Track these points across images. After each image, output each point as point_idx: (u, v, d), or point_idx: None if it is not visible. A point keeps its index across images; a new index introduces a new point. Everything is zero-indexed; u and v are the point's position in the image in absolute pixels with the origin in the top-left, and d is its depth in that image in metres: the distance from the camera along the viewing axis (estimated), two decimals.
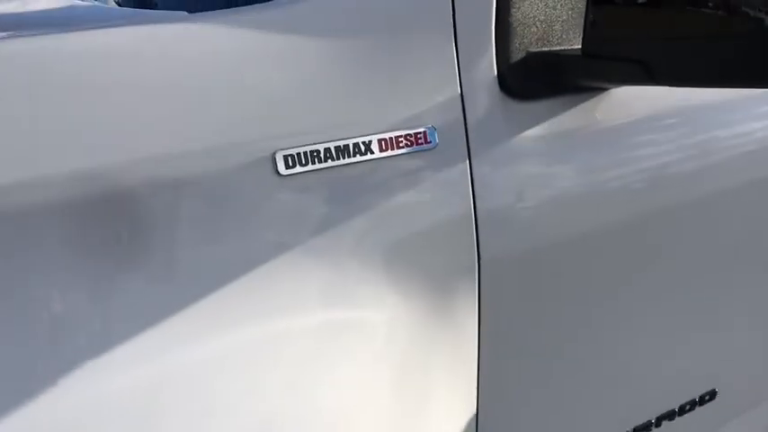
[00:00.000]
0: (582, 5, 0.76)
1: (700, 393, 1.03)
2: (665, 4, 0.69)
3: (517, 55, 0.74)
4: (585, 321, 0.86)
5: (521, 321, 0.80)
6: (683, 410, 1.01)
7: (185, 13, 0.68)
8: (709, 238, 0.94)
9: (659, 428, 1.00)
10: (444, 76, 0.70)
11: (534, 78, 0.75)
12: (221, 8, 0.70)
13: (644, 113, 0.83)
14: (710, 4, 0.66)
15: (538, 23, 0.75)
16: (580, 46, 0.74)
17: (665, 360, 0.98)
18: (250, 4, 0.69)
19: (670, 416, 1.00)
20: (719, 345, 1.05)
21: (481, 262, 0.73)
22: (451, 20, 0.71)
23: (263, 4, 0.68)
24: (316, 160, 0.64)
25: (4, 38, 0.60)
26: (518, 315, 0.79)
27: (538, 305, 0.80)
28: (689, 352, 1.01)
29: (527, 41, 0.75)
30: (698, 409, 1.02)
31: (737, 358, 1.09)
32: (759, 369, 1.14)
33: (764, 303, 1.08)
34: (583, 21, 0.73)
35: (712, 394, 1.04)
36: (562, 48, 0.77)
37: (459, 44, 0.71)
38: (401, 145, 0.67)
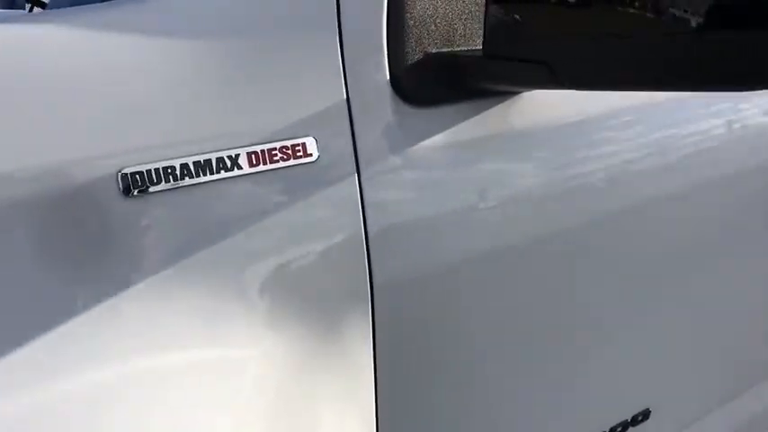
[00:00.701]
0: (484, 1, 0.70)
1: (632, 414, 0.98)
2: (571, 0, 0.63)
3: (413, 56, 0.68)
4: (498, 343, 0.79)
5: (423, 346, 0.73)
6: None
7: (25, 12, 0.60)
8: (639, 250, 0.89)
9: None
10: (327, 80, 0.63)
11: (433, 82, 0.69)
12: None
13: (557, 118, 0.77)
14: (626, 1, 0.60)
15: (437, 21, 0.69)
16: None
17: (593, 380, 0.92)
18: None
19: None
20: (653, 361, 0.99)
21: (374, 285, 0.66)
22: (335, 17, 0.64)
23: (113, 1, 0.60)
24: (170, 178, 0.56)
25: None
26: (420, 339, 0.72)
27: (441, 328, 0.73)
28: (620, 369, 0.95)
29: (425, 41, 0.68)
30: (630, 430, 0.97)
31: (671, 374, 1.03)
32: (694, 385, 1.09)
33: (699, 315, 1.03)
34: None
35: (645, 414, 0.99)
36: (465, 48, 0.71)
37: (344, 44, 0.64)
38: (275, 158, 0.60)
